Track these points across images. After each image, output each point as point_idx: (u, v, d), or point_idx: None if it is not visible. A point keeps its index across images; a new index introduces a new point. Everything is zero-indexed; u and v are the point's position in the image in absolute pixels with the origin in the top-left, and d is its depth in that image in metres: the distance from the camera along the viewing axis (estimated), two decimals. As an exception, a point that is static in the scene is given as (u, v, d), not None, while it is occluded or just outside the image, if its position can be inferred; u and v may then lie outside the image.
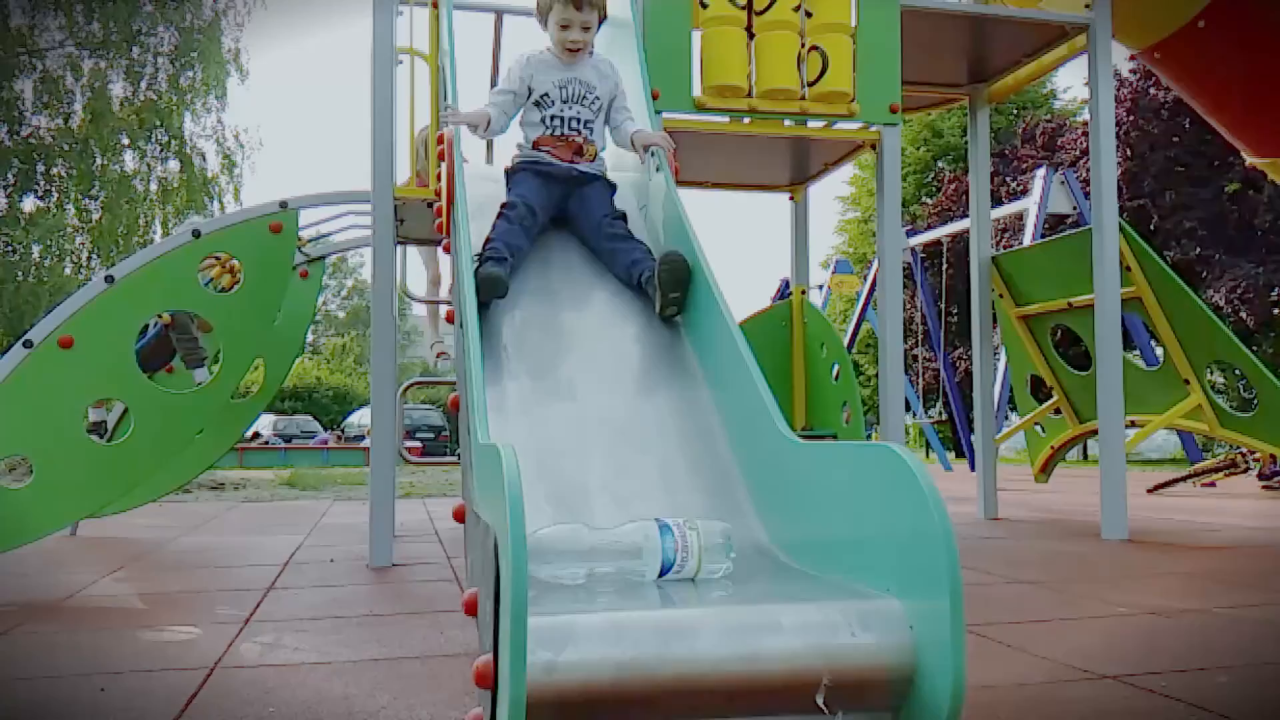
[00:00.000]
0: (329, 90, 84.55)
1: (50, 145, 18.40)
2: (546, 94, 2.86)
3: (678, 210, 2.65)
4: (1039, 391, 6.38)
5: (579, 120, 2.87)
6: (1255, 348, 16.62)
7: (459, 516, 2.12)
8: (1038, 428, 6.36)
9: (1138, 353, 9.80)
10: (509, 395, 2.29)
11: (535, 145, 2.87)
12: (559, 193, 2.81)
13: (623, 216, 2.77)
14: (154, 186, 19.50)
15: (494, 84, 5.62)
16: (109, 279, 3.77)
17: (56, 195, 18.80)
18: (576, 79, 2.89)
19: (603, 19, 2.95)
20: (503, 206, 2.71)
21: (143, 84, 18.97)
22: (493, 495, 1.37)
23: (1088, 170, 5.44)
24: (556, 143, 2.86)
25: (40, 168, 18.55)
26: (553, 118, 2.86)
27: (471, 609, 1.57)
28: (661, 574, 1.60)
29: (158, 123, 19.05)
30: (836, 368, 4.75)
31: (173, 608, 3.09)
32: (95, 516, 4.90)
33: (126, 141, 19.04)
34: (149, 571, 3.91)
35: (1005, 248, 12.31)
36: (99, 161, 18.51)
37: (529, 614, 1.18)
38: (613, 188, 2.88)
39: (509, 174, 2.89)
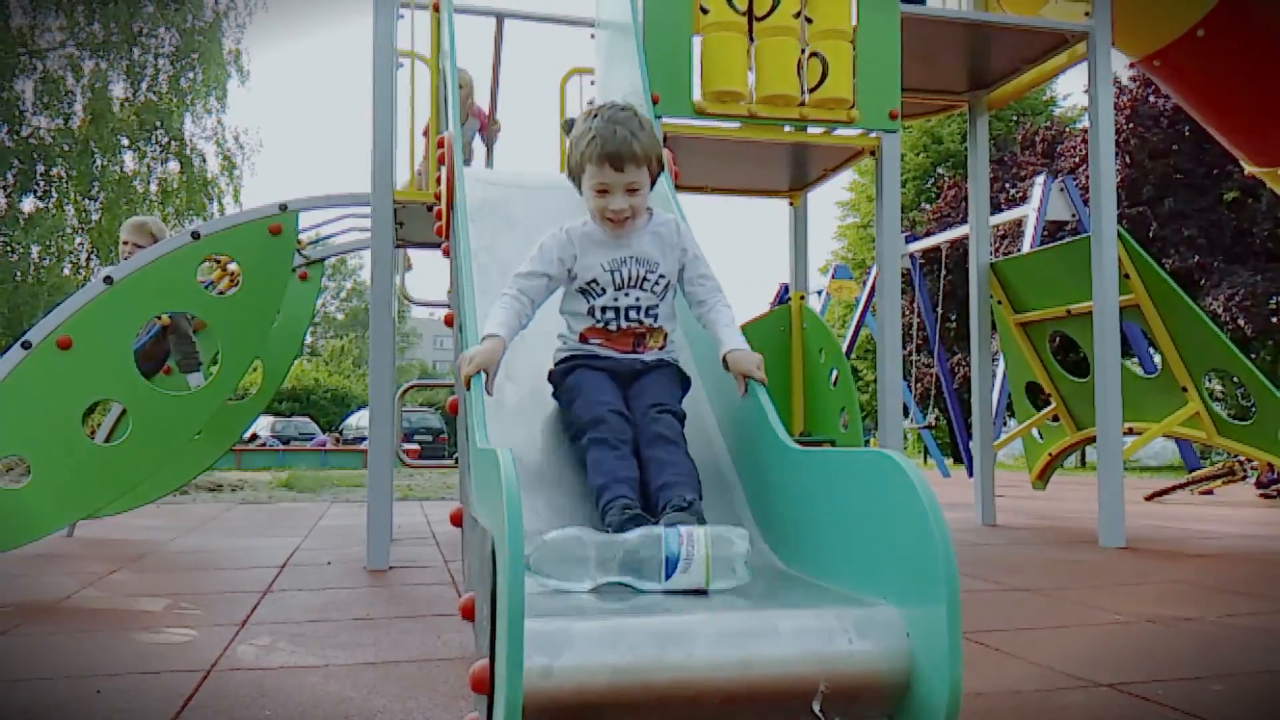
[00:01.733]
0: (329, 92, 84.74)
1: (50, 146, 18.44)
2: (594, 280, 2.16)
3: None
4: (1037, 398, 6.38)
5: (639, 309, 2.17)
6: (1253, 356, 16.68)
7: (456, 520, 2.12)
8: (1035, 434, 6.37)
9: (1136, 360, 9.81)
10: (508, 399, 2.28)
11: (583, 338, 2.19)
12: (620, 386, 2.13)
13: (682, 417, 2.08)
14: (154, 187, 19.56)
15: (495, 88, 5.62)
16: (108, 280, 3.77)
17: (56, 196, 18.83)
18: (632, 257, 2.18)
19: (656, 173, 2.20)
20: (581, 429, 2.03)
21: (143, 85, 19.03)
22: (491, 500, 1.37)
23: (1087, 177, 5.45)
24: (611, 335, 2.17)
25: (40, 168, 18.60)
26: (604, 309, 2.16)
27: (469, 613, 1.57)
28: (668, 573, 1.57)
29: (158, 124, 19.10)
30: (835, 373, 4.75)
31: (169, 610, 3.08)
32: (93, 517, 4.89)
33: (126, 142, 19.09)
34: (146, 573, 3.91)
35: (1004, 254, 12.33)
36: (99, 162, 18.56)
37: (525, 619, 1.18)
38: (685, 382, 2.20)
39: (555, 376, 2.21)
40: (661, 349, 2.20)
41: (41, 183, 18.73)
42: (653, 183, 2.20)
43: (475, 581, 1.60)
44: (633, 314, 2.17)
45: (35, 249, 18.66)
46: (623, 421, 2.01)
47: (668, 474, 1.91)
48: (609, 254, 2.18)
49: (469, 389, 1.92)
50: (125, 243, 4.78)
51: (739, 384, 2.09)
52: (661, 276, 2.20)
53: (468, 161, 5.31)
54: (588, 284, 2.17)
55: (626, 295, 2.16)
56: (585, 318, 2.18)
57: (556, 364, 2.22)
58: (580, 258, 2.18)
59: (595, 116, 2.16)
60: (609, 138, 2.10)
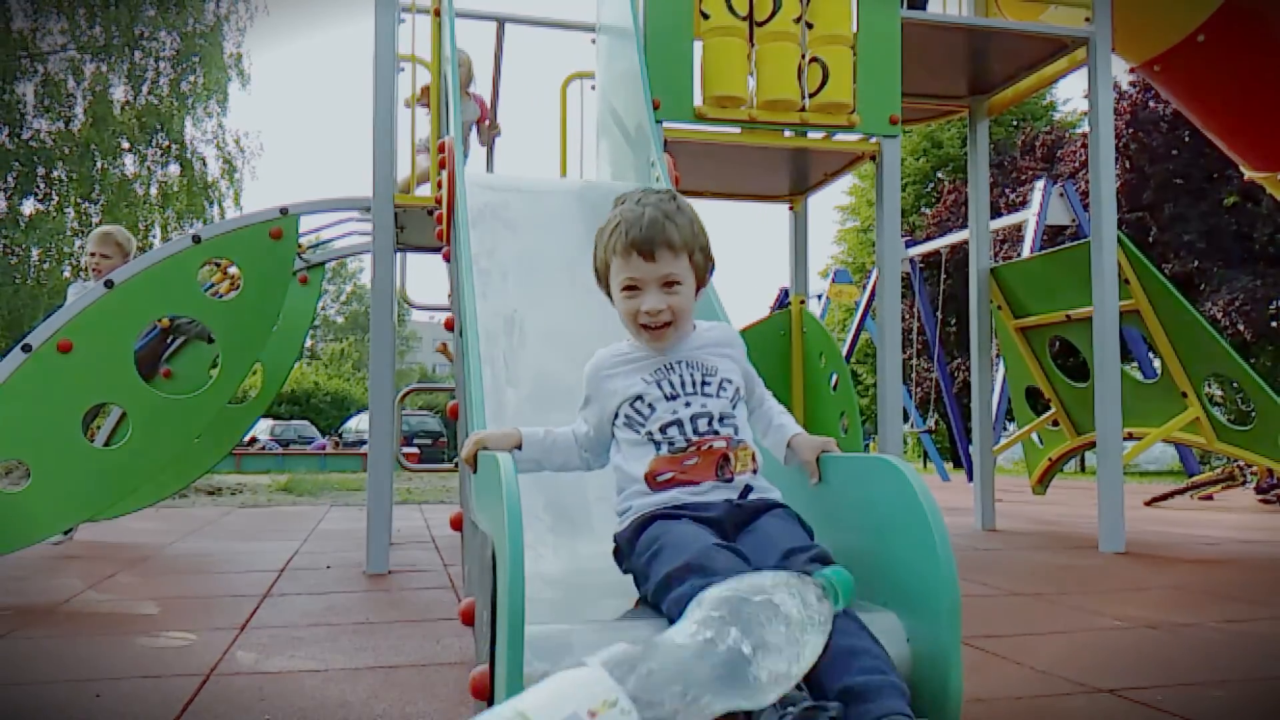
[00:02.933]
0: (330, 96, 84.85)
1: (51, 148, 18.45)
2: (638, 398, 1.67)
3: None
4: (1037, 403, 6.38)
5: (709, 416, 1.64)
6: (1253, 360, 16.66)
7: (456, 524, 2.12)
8: (1035, 439, 6.37)
9: (1136, 365, 9.82)
10: (508, 402, 2.29)
11: (652, 480, 1.62)
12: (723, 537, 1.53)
13: (821, 557, 1.44)
14: (154, 190, 19.57)
15: (495, 93, 5.63)
16: (108, 283, 3.77)
17: (56, 198, 18.84)
18: (680, 362, 1.71)
19: (704, 271, 1.75)
20: (666, 585, 1.40)
21: (144, 88, 19.05)
22: (491, 504, 1.37)
23: (1087, 182, 5.45)
24: (683, 462, 1.62)
25: (40, 171, 18.60)
26: (663, 428, 1.64)
27: (468, 618, 1.57)
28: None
29: (158, 127, 19.11)
30: (835, 377, 4.76)
31: (169, 613, 3.08)
32: (92, 521, 4.89)
33: (127, 145, 19.11)
34: (145, 577, 3.91)
35: (1004, 259, 12.33)
36: (99, 165, 18.57)
37: (526, 624, 1.18)
38: (809, 530, 1.58)
39: (623, 541, 1.63)
40: (754, 473, 1.66)
41: (42, 185, 18.74)
42: (700, 284, 1.74)
43: (475, 586, 1.60)
44: (702, 423, 1.63)
45: (35, 252, 18.68)
46: (737, 560, 1.41)
47: (855, 663, 1.25)
48: (649, 364, 1.71)
49: (474, 471, 1.65)
50: (93, 254, 4.78)
51: (810, 468, 1.70)
52: (726, 380, 1.70)
53: (464, 148, 5.29)
54: (632, 406, 1.67)
55: (686, 404, 1.65)
56: (642, 450, 1.64)
57: (625, 527, 1.63)
58: (615, 379, 1.71)
59: (622, 202, 1.75)
60: (635, 221, 1.67)
